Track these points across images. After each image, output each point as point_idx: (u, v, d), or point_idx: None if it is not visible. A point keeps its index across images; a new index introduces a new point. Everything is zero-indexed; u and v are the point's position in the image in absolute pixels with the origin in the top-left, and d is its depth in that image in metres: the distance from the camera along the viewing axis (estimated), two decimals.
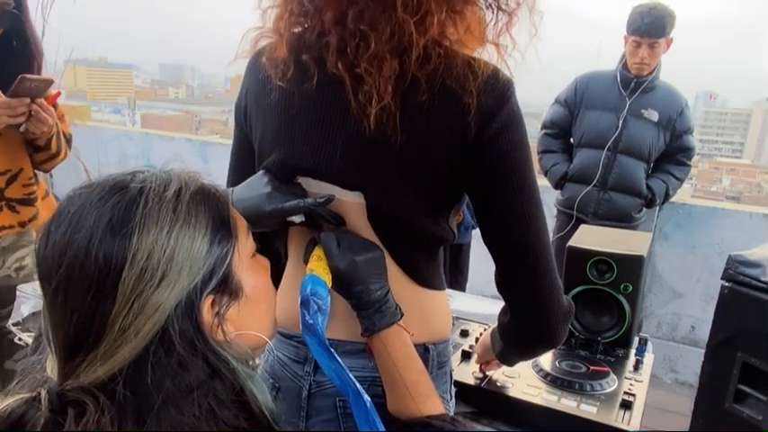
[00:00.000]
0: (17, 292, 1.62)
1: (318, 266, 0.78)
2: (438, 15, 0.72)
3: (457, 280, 2.50)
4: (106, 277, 0.52)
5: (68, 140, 1.71)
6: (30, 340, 1.49)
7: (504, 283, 0.83)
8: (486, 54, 0.77)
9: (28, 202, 1.64)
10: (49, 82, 1.51)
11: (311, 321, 0.74)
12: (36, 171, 1.68)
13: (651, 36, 2.37)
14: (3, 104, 1.43)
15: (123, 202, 0.54)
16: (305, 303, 0.74)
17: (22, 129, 1.53)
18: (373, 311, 0.77)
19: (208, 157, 4.18)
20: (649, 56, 2.40)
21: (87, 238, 0.53)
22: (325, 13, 0.74)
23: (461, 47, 0.76)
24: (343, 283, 0.77)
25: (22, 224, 1.63)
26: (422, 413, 0.74)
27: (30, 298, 1.57)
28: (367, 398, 0.71)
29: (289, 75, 0.77)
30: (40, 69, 1.59)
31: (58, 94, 1.59)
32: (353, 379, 0.72)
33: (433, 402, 0.75)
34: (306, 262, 0.80)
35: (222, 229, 0.59)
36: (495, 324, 0.97)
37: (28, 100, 1.45)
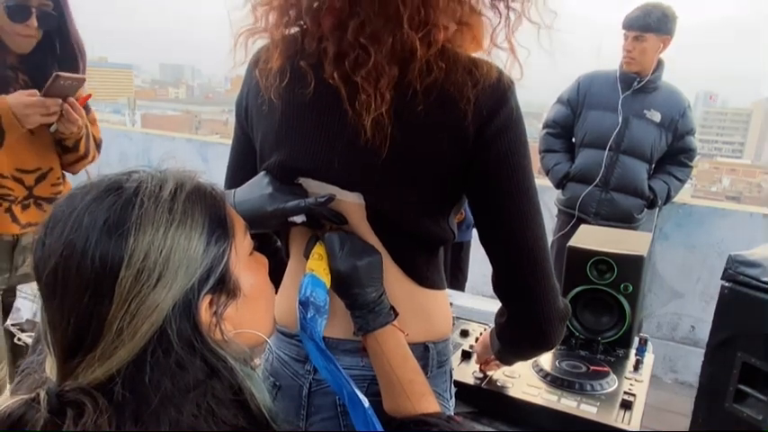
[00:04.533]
0: (16, 293, 1.61)
1: (318, 266, 0.78)
2: (445, 32, 0.72)
3: (457, 278, 2.50)
4: (103, 278, 0.52)
5: (98, 144, 1.72)
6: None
7: (501, 285, 0.83)
8: (486, 55, 0.77)
9: (54, 201, 1.64)
10: (82, 80, 1.52)
11: (309, 324, 0.74)
12: (63, 172, 1.68)
13: (634, 29, 2.38)
14: (37, 103, 1.43)
15: (119, 203, 0.54)
16: (303, 305, 0.75)
17: (52, 129, 1.54)
18: (367, 312, 0.77)
19: (208, 157, 4.17)
20: (635, 50, 2.39)
21: (83, 240, 0.53)
22: (324, 21, 0.73)
23: (464, 50, 0.75)
24: (341, 285, 0.78)
25: None
26: (417, 411, 0.74)
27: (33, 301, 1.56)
28: (364, 400, 0.70)
29: (285, 82, 0.77)
30: (85, 69, 1.60)
31: (89, 95, 1.59)
32: (350, 381, 0.72)
33: (428, 401, 0.75)
34: (306, 257, 0.80)
35: (219, 228, 0.58)
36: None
37: (60, 100, 1.46)
